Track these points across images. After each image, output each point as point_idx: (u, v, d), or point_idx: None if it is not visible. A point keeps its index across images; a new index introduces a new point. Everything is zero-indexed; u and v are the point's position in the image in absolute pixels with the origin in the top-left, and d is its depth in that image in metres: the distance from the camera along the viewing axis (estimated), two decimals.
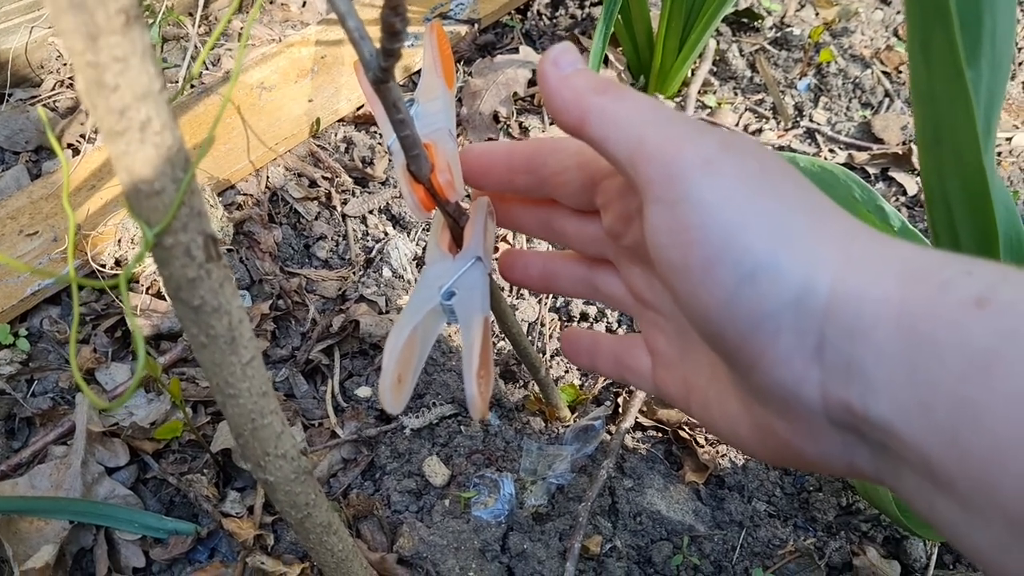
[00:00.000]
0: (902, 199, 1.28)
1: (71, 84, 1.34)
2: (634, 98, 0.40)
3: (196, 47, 1.40)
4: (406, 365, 0.60)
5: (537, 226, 0.57)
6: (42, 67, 1.36)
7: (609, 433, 0.99)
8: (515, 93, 1.36)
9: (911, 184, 1.27)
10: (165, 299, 1.07)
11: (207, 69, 1.40)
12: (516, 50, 1.44)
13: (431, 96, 0.65)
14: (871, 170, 1.32)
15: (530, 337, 1.09)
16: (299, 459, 0.64)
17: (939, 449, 0.30)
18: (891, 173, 1.30)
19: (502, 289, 1.13)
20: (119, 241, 1.04)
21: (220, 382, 0.55)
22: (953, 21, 0.37)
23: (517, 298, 1.13)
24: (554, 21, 1.55)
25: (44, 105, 1.31)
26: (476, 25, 1.49)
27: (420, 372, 0.63)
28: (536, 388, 1.01)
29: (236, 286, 0.50)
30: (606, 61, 1.39)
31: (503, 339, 1.07)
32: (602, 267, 0.53)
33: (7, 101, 1.31)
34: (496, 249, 0.95)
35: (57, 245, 1.09)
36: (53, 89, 1.33)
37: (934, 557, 0.91)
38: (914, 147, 1.29)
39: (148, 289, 1.07)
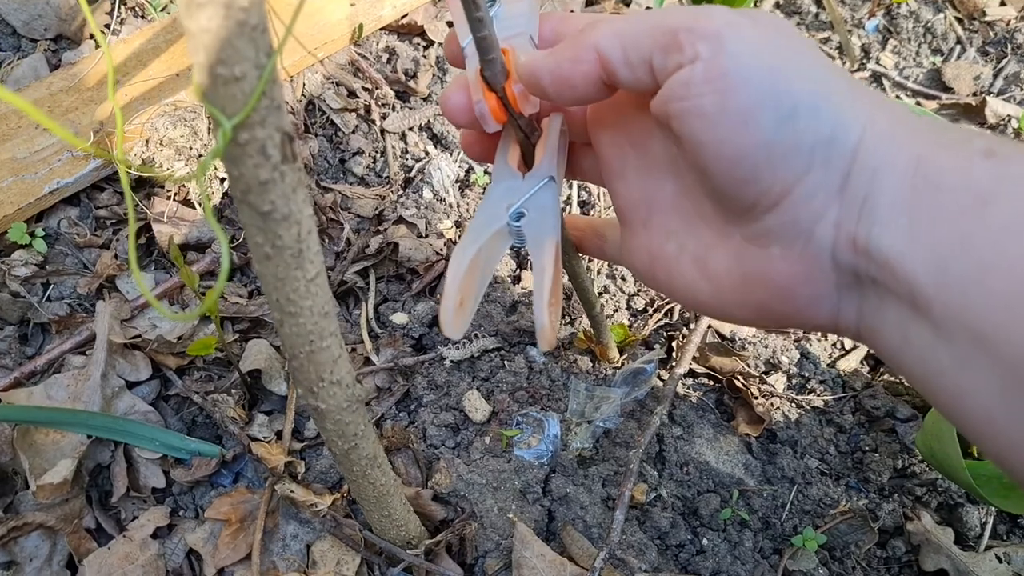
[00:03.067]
0: None
1: None
2: (616, 16, 0.44)
3: None
4: (468, 289, 0.57)
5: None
6: None
7: (661, 378, 0.94)
8: (572, 11, 1.28)
9: None
10: (193, 207, 1.00)
11: None
12: None
13: None
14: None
15: None
16: (354, 387, 0.59)
17: (926, 274, 0.34)
18: (960, 124, 1.23)
19: None
20: (147, 141, 0.97)
21: (281, 298, 0.50)
22: None
23: None
24: None
25: None
26: None
27: (481, 296, 0.59)
28: (585, 324, 0.95)
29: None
30: None
31: None
32: (580, 145, 0.59)
33: None
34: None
35: (78, 142, 1.02)
36: None
37: (988, 526, 0.87)
38: (987, 98, 1.21)
39: (175, 195, 1.01)
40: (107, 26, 1.16)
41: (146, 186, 1.01)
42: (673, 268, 0.48)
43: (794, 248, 0.40)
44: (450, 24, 1.25)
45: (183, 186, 0.99)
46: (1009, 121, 1.21)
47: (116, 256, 0.98)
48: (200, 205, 0.99)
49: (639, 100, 0.46)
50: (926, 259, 0.34)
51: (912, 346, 0.37)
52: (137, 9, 1.20)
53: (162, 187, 1.01)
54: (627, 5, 1.30)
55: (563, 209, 1.08)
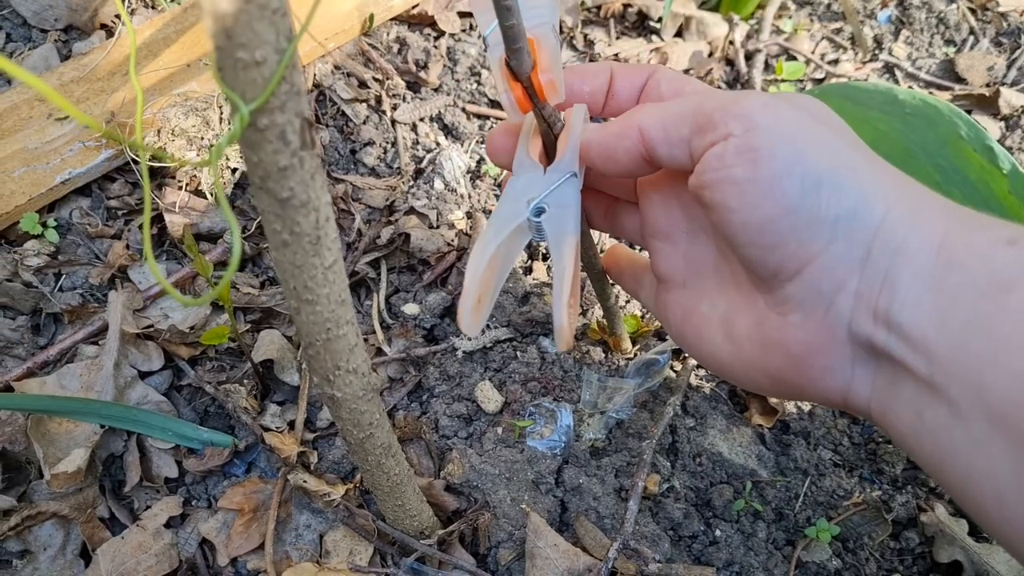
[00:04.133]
0: None
1: None
2: (660, 103, 0.49)
3: None
4: (487, 285, 0.56)
5: None
6: None
7: (674, 370, 0.94)
8: (582, 2, 1.27)
9: (994, 129, 1.20)
10: (205, 196, 1.00)
11: None
12: None
13: None
14: None
15: None
16: (369, 375, 0.59)
17: (946, 352, 0.36)
18: (973, 116, 1.22)
19: None
20: (158, 131, 0.97)
21: (298, 285, 0.50)
22: None
23: None
24: None
25: None
26: None
27: (499, 292, 0.59)
28: (598, 315, 0.95)
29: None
30: None
31: None
32: (622, 203, 0.61)
33: None
34: None
35: (90, 132, 1.01)
36: None
37: None
38: (1001, 89, 1.21)
39: (186, 185, 1.00)
40: (118, 16, 1.16)
41: (158, 176, 1.01)
42: (703, 328, 0.50)
43: (813, 317, 0.41)
44: (461, 14, 1.25)
45: (195, 176, 0.99)
46: (1023, 112, 1.21)
47: (128, 246, 0.98)
48: (212, 194, 0.99)
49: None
50: (947, 337, 0.36)
51: (925, 425, 0.38)
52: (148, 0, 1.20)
53: (173, 177, 1.01)
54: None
55: None
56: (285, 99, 0.39)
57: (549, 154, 0.59)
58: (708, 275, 0.51)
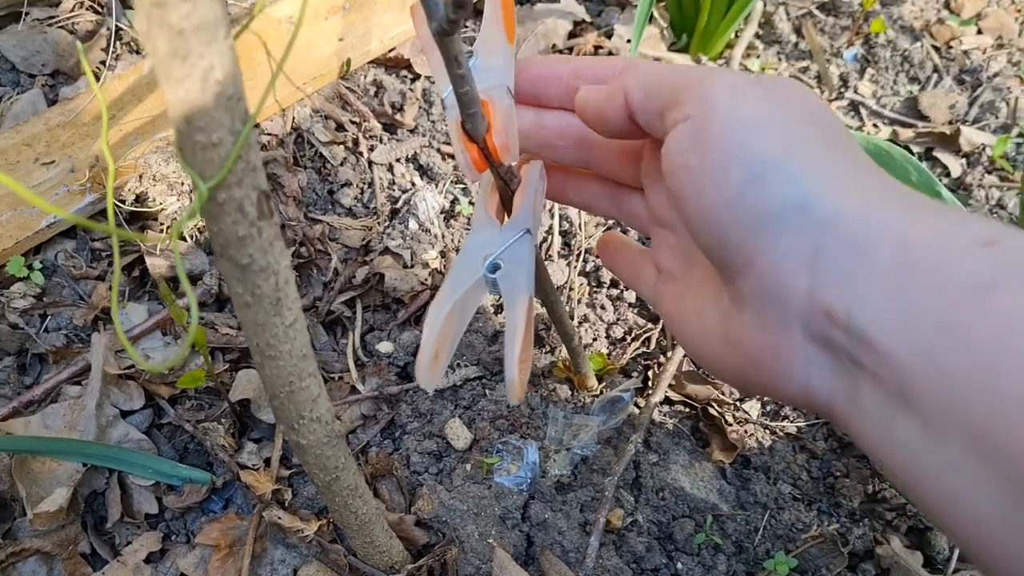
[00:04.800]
0: (945, 181, 1.24)
1: (91, 6, 1.28)
2: (656, 63, 0.47)
3: None
4: (444, 340, 0.58)
5: (570, 151, 0.58)
6: None
7: (637, 406, 0.97)
8: (554, 44, 1.31)
9: (956, 166, 1.23)
10: (186, 239, 1.03)
11: (232, 0, 1.35)
12: (557, 0, 1.39)
13: (491, 50, 0.61)
14: (915, 148, 1.28)
15: None
16: (332, 423, 0.62)
17: (917, 365, 0.32)
18: (936, 153, 1.26)
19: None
20: (140, 176, 1.00)
21: (261, 343, 0.53)
22: None
23: (546, 259, 1.10)
24: None
25: (61, 27, 1.26)
26: None
27: (456, 345, 0.61)
28: (565, 354, 0.98)
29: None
30: (649, 18, 1.33)
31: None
32: (628, 189, 0.58)
33: (23, 20, 1.26)
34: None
35: (75, 177, 1.05)
36: (72, 10, 1.27)
37: (957, 550, 0.90)
38: (962, 128, 1.25)
39: (167, 227, 1.04)
40: (103, 62, 1.20)
41: (140, 219, 1.04)
42: (687, 320, 0.49)
43: (765, 314, 0.39)
44: None
45: (176, 218, 1.02)
46: (983, 149, 1.25)
47: (111, 288, 1.01)
48: (192, 237, 1.02)
49: None
50: (915, 348, 0.32)
51: (896, 439, 0.34)
52: (132, 44, 1.23)
53: (155, 219, 1.04)
54: (608, 37, 1.33)
55: (545, 239, 1.11)
56: (242, 175, 0.42)
57: (507, 210, 0.61)
58: (697, 266, 0.49)
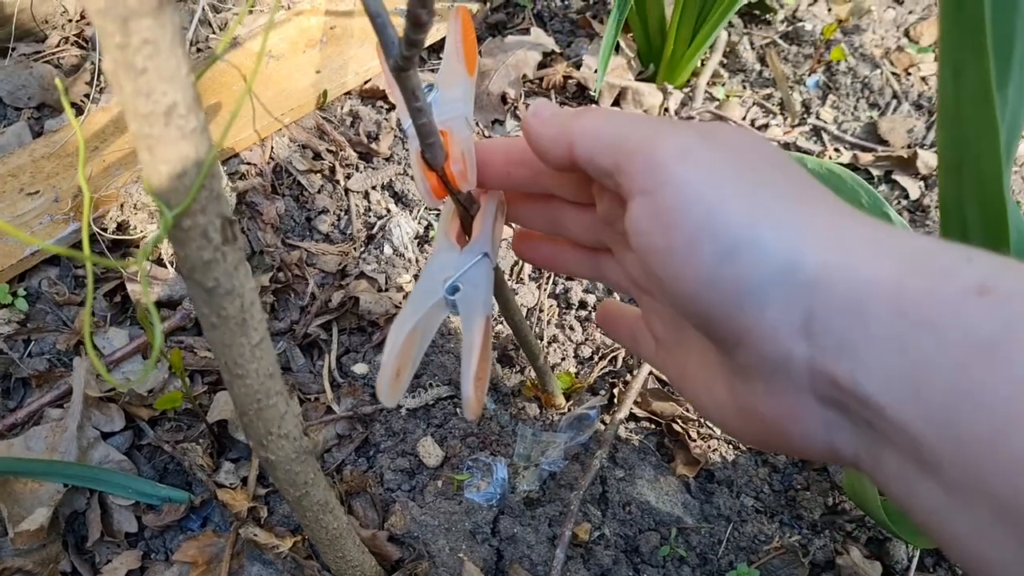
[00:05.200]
0: (904, 203, 1.28)
1: (76, 41, 1.32)
2: (610, 112, 0.43)
3: (204, 9, 1.39)
4: (405, 358, 0.60)
5: (538, 218, 0.58)
6: (46, 22, 1.34)
7: (603, 423, 1.00)
8: (524, 75, 1.36)
9: (914, 188, 1.28)
10: (166, 266, 1.07)
11: (214, 34, 1.39)
12: (527, 31, 1.43)
13: (452, 82, 0.65)
14: (875, 172, 1.32)
15: (528, 323, 1.09)
16: (301, 439, 0.65)
17: (931, 431, 0.30)
18: (895, 176, 1.30)
19: (508, 275, 1.13)
20: (122, 206, 1.03)
21: (229, 362, 0.55)
22: (987, 46, 0.37)
23: (517, 282, 1.13)
24: (566, 3, 1.54)
25: (47, 61, 1.30)
26: (488, 3, 1.48)
27: (418, 364, 0.63)
28: (533, 374, 1.01)
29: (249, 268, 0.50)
30: (617, 48, 1.38)
31: (501, 323, 1.07)
32: (603, 254, 0.54)
33: (10, 55, 1.30)
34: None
35: (59, 206, 1.08)
36: (58, 45, 1.31)
37: (915, 560, 0.93)
38: (919, 151, 1.29)
39: (148, 256, 1.07)
40: (87, 95, 1.23)
41: (122, 246, 1.07)
42: (696, 388, 0.46)
43: (773, 384, 0.37)
44: None
45: (156, 247, 1.06)
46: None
47: (93, 314, 1.04)
48: (172, 264, 1.05)
49: None
50: (928, 414, 0.30)
51: (922, 507, 0.33)
52: None
53: (136, 247, 1.07)
54: (578, 68, 1.38)
55: (517, 263, 1.15)
56: (206, 203, 0.45)
57: (467, 232, 0.64)
58: (692, 334, 0.46)
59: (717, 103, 1.40)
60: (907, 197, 1.28)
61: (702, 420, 1.01)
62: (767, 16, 1.55)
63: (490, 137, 1.31)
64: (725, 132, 0.39)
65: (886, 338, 0.31)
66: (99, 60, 1.27)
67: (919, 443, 0.31)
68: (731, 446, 0.99)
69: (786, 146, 1.33)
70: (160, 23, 0.38)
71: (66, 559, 0.89)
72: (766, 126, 1.38)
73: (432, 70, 1.34)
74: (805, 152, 1.33)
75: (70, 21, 1.35)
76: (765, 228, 0.34)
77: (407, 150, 1.26)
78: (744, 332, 0.36)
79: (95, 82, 1.25)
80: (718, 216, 0.35)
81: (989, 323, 0.29)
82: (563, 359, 1.06)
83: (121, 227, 1.05)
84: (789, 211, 0.35)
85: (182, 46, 0.41)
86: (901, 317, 0.31)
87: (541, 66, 1.38)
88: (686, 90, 1.41)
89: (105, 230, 1.05)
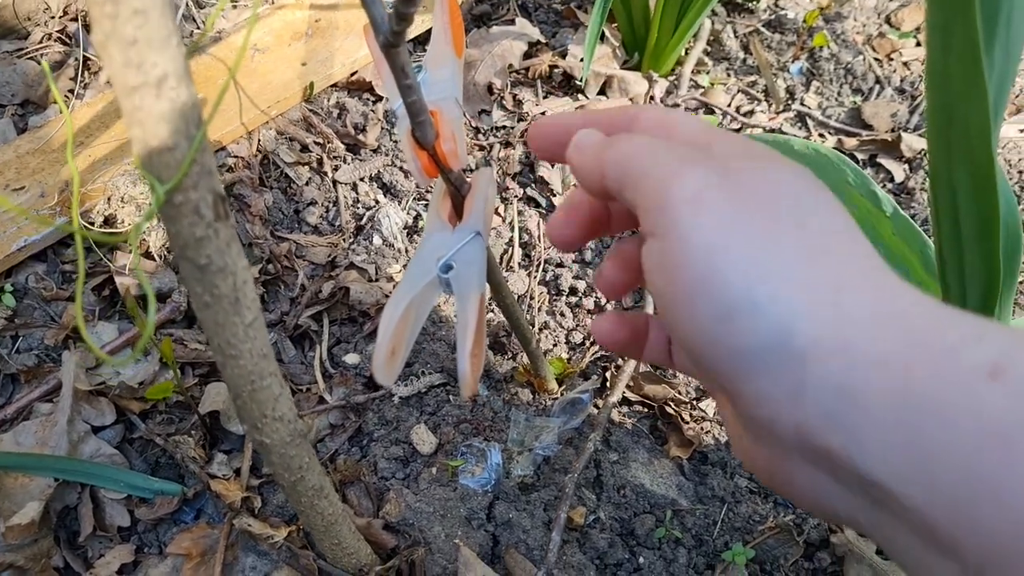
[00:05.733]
0: (889, 186, 1.29)
1: (59, 37, 1.32)
2: (638, 141, 0.40)
3: (188, 5, 1.38)
4: (400, 338, 0.60)
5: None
6: (29, 19, 1.33)
7: (596, 407, 1.00)
8: (510, 65, 1.36)
9: (899, 171, 1.29)
10: (155, 259, 1.06)
11: (198, 28, 1.38)
12: (512, 22, 1.43)
13: (439, 64, 0.65)
14: (860, 156, 1.33)
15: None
16: (295, 422, 0.65)
17: (946, 518, 0.29)
18: (879, 160, 1.31)
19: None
20: (108, 199, 1.03)
21: (222, 342, 0.55)
22: (975, 5, 0.38)
23: (507, 270, 1.13)
24: None
25: (31, 58, 1.29)
26: None
27: (412, 344, 0.63)
28: (525, 360, 1.01)
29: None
30: (602, 37, 1.38)
31: (493, 310, 1.07)
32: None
33: None
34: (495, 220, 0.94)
35: (44, 201, 1.07)
36: (41, 42, 1.30)
37: None
38: (903, 135, 1.30)
39: (141, 233, 1.06)
40: (71, 91, 1.22)
41: (108, 243, 1.06)
42: (729, 428, 0.43)
43: (768, 441, 0.36)
44: None
45: (144, 239, 1.05)
46: (924, 155, 1.30)
47: (82, 308, 1.03)
48: (160, 256, 1.05)
49: None
50: (945, 503, 0.29)
51: (936, 573, 0.31)
52: (100, 74, 1.26)
53: (125, 240, 1.07)
54: (563, 57, 1.38)
55: (506, 251, 1.15)
56: (197, 179, 0.45)
57: (459, 214, 0.64)
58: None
59: (702, 90, 1.41)
60: (892, 180, 1.29)
61: (694, 403, 1.01)
62: (749, 4, 1.56)
63: (477, 128, 1.31)
64: (752, 171, 0.36)
65: (890, 422, 0.30)
66: (83, 56, 1.26)
67: (933, 527, 0.29)
68: (724, 428, 1.00)
69: (771, 132, 1.34)
70: None
71: (58, 554, 0.88)
72: (751, 112, 1.38)
73: (417, 62, 1.34)
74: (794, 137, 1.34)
75: (52, 18, 1.34)
76: (762, 293, 0.33)
77: (395, 141, 1.26)
78: (737, 389, 0.35)
79: (79, 78, 1.24)
80: (718, 274, 0.34)
81: (1003, 409, 0.28)
82: (555, 345, 1.06)
83: (108, 221, 1.04)
84: (793, 273, 0.33)
85: (172, 18, 0.41)
86: (907, 400, 0.30)
87: (527, 56, 1.38)
88: (671, 78, 1.41)
89: (92, 224, 1.04)
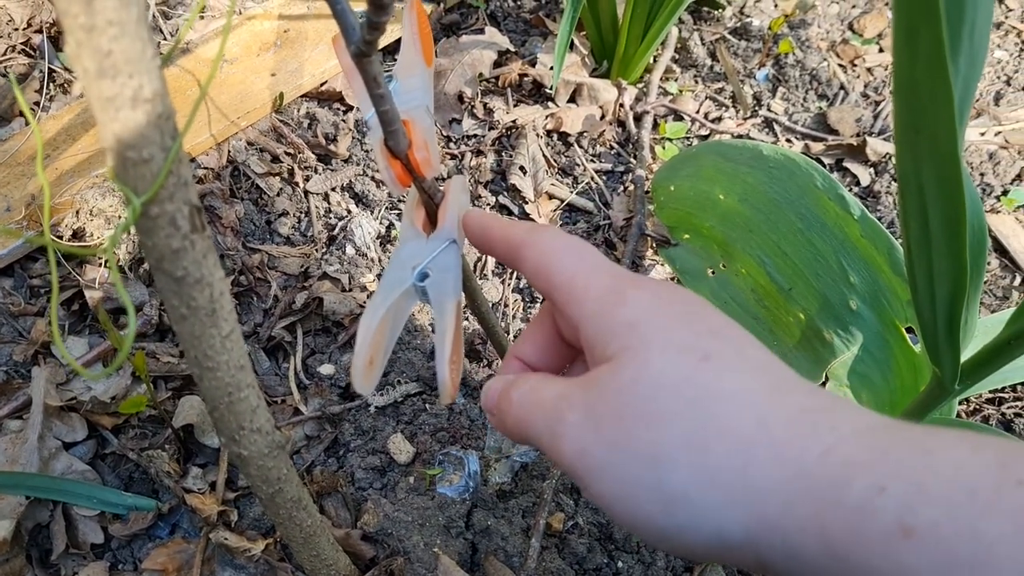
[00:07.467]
0: (856, 189, 1.31)
1: (23, 50, 1.30)
2: (523, 394, 0.42)
3: (154, 16, 1.37)
4: (377, 347, 0.60)
5: None
6: None
7: None
8: (480, 74, 1.36)
9: (864, 175, 1.31)
10: (126, 273, 1.05)
11: (165, 40, 1.37)
12: (481, 31, 1.44)
13: (410, 73, 0.65)
14: (826, 160, 1.35)
15: None
16: (273, 433, 0.64)
17: None
18: (846, 164, 1.33)
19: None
20: (77, 212, 1.01)
21: (199, 354, 0.55)
22: (940, 14, 0.39)
23: (481, 278, 1.13)
24: (518, 3, 1.55)
25: None
26: (442, 4, 1.48)
27: (390, 353, 0.63)
28: (501, 366, 1.01)
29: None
30: (571, 46, 1.39)
31: (468, 318, 1.08)
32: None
33: None
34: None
35: (10, 215, 1.06)
36: (4, 54, 1.29)
37: None
38: (868, 139, 1.32)
39: (105, 263, 1.05)
40: (37, 103, 1.21)
41: (78, 254, 1.05)
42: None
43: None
44: None
45: (114, 252, 1.04)
46: (889, 158, 1.32)
47: (51, 323, 1.02)
48: (130, 270, 1.04)
49: None
50: None
51: None
52: (66, 86, 1.25)
53: (94, 255, 1.06)
54: (533, 65, 1.39)
55: (480, 258, 1.15)
56: (173, 190, 0.45)
57: (432, 222, 0.65)
58: None
59: (671, 97, 1.42)
60: (858, 184, 1.31)
61: None
62: (716, 12, 1.58)
63: (449, 137, 1.32)
64: (683, 322, 0.37)
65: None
66: (47, 68, 1.25)
67: None
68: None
69: (739, 138, 1.36)
70: (124, 3, 0.38)
71: (30, 573, 0.86)
72: (719, 119, 1.40)
73: (387, 71, 1.34)
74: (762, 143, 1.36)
75: (16, 30, 1.32)
76: (694, 483, 0.34)
77: (366, 151, 1.26)
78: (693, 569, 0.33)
79: (44, 91, 1.23)
80: (631, 499, 0.35)
81: (921, 570, 0.29)
82: None
83: (77, 234, 1.03)
84: (696, 466, 0.34)
85: (147, 29, 0.41)
86: (835, 564, 0.31)
87: (497, 65, 1.39)
88: (640, 85, 1.43)
89: (60, 237, 1.03)
